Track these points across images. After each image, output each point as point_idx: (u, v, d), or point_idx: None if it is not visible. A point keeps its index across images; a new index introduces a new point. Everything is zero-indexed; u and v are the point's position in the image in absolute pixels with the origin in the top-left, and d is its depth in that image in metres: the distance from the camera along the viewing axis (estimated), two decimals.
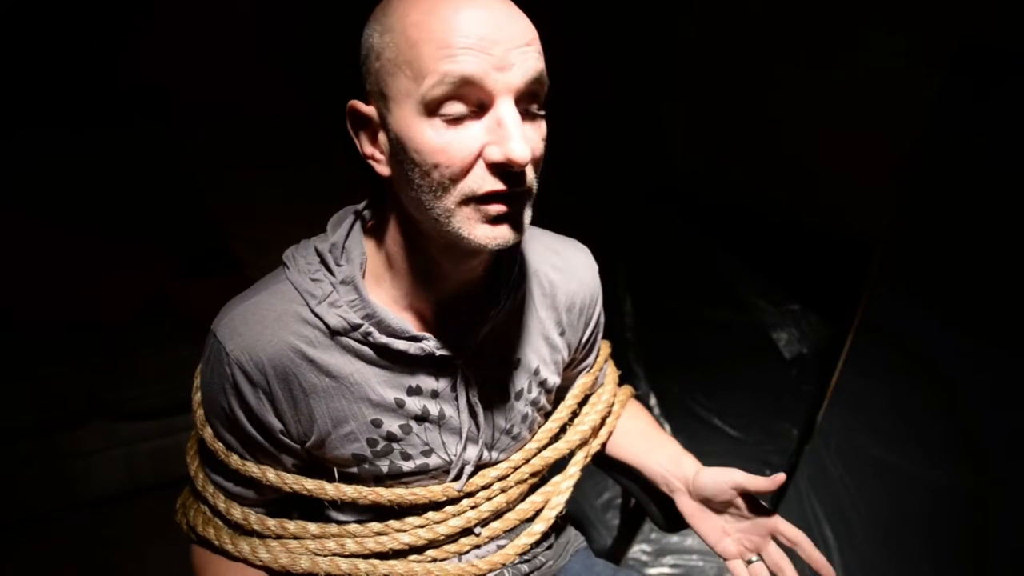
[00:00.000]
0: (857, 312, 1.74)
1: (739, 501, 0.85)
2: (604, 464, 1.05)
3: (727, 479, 0.84)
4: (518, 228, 0.65)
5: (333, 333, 0.71)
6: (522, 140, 0.60)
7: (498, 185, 0.62)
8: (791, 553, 0.84)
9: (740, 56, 2.25)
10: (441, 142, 0.61)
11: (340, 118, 0.68)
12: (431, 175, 0.62)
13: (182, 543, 0.86)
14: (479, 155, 0.62)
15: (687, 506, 0.90)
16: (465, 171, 0.62)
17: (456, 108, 0.60)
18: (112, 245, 2.10)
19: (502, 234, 0.64)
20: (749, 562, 0.85)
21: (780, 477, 0.80)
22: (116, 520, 1.92)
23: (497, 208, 0.63)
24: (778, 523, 0.84)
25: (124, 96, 2.33)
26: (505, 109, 0.61)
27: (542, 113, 0.66)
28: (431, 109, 0.60)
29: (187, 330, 1.95)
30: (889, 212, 1.67)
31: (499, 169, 0.62)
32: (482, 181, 0.62)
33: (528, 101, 0.63)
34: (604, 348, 1.02)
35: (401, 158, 0.63)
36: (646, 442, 0.98)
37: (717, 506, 0.87)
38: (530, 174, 0.64)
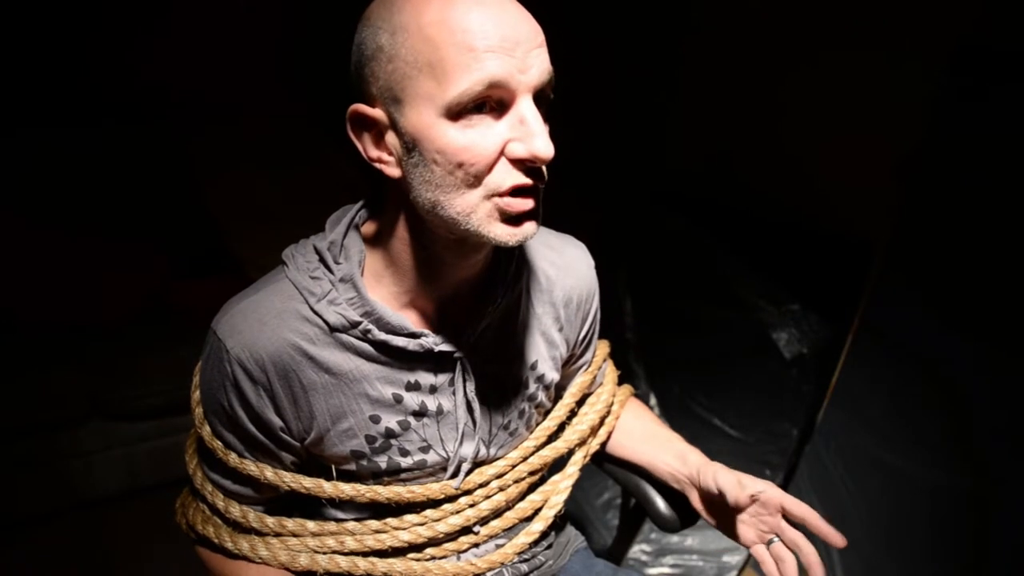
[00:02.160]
0: (857, 312, 1.74)
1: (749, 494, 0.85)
2: (608, 464, 1.05)
3: (733, 492, 0.83)
4: (538, 223, 0.67)
5: (332, 330, 0.71)
6: (546, 136, 0.62)
7: (522, 179, 0.63)
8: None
9: (741, 57, 2.25)
10: (465, 141, 0.61)
11: (340, 119, 0.67)
12: (454, 174, 0.62)
13: (182, 543, 0.86)
14: (502, 152, 0.62)
15: (698, 501, 0.91)
16: (489, 168, 0.62)
17: (479, 108, 0.61)
18: (112, 245, 2.10)
19: (523, 230, 0.65)
20: (770, 542, 0.85)
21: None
22: (116, 520, 1.91)
23: (521, 204, 0.64)
24: (784, 500, 0.84)
25: (124, 96, 2.33)
26: (526, 107, 0.62)
27: (551, 97, 0.67)
28: (456, 112, 0.60)
29: (187, 330, 1.94)
30: (889, 212, 1.67)
31: (521, 165, 0.63)
32: (505, 176, 0.63)
33: (540, 99, 0.64)
34: (602, 347, 1.02)
35: (418, 159, 0.63)
36: (652, 442, 0.99)
37: (723, 504, 0.88)
38: (543, 168, 0.65)
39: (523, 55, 0.61)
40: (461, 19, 0.59)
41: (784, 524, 0.85)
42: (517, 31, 0.60)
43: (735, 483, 0.83)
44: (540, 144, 0.61)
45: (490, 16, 0.59)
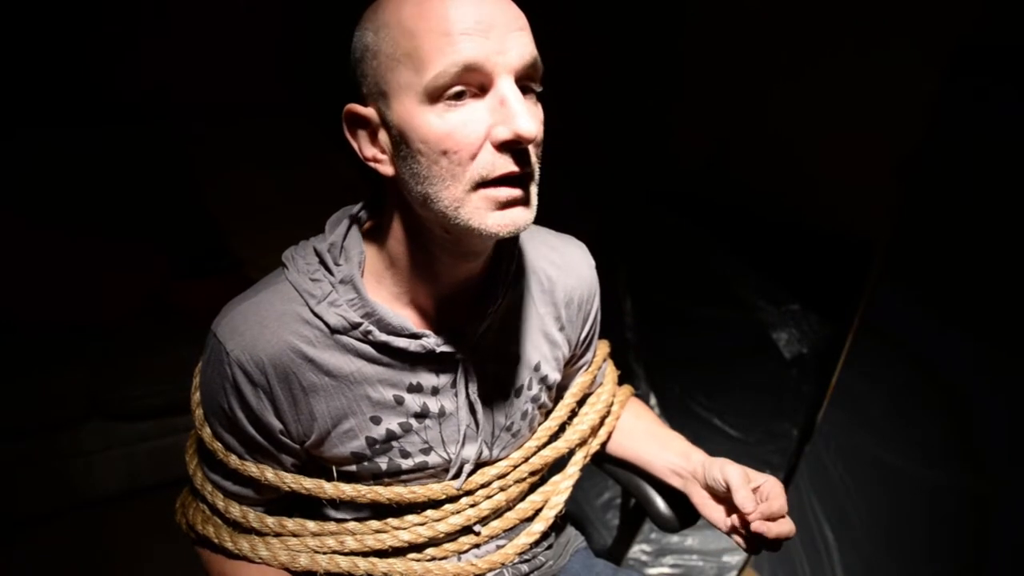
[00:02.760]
0: (857, 312, 1.74)
1: (756, 488, 0.84)
2: (609, 463, 1.05)
3: (736, 479, 0.81)
4: (528, 210, 0.65)
5: (333, 332, 0.71)
6: (528, 115, 0.61)
7: (509, 166, 0.62)
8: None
9: (740, 56, 2.25)
10: (447, 128, 0.61)
11: (339, 119, 0.68)
12: (439, 163, 0.62)
13: (182, 543, 0.86)
14: (486, 137, 0.62)
15: (698, 497, 0.90)
16: (473, 155, 0.62)
17: (460, 95, 0.61)
18: (112, 245, 2.10)
19: (513, 219, 0.64)
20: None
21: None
22: (116, 520, 1.91)
23: (508, 192, 0.63)
24: (770, 488, 0.81)
25: (124, 96, 2.33)
26: (507, 88, 0.61)
27: (538, 91, 0.66)
28: (434, 97, 0.61)
29: (187, 330, 1.94)
30: (889, 212, 1.67)
31: (508, 148, 0.62)
32: (492, 165, 0.62)
33: (525, 83, 0.64)
34: (603, 347, 1.02)
35: (405, 153, 0.63)
36: (654, 441, 0.98)
37: (726, 496, 0.87)
38: (533, 155, 0.65)
39: (500, 37, 0.60)
40: (437, 8, 0.60)
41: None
42: (493, 14, 0.60)
43: (742, 475, 0.81)
44: (522, 123, 0.60)
45: (468, 3, 0.60)
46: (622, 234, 2.41)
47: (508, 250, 0.79)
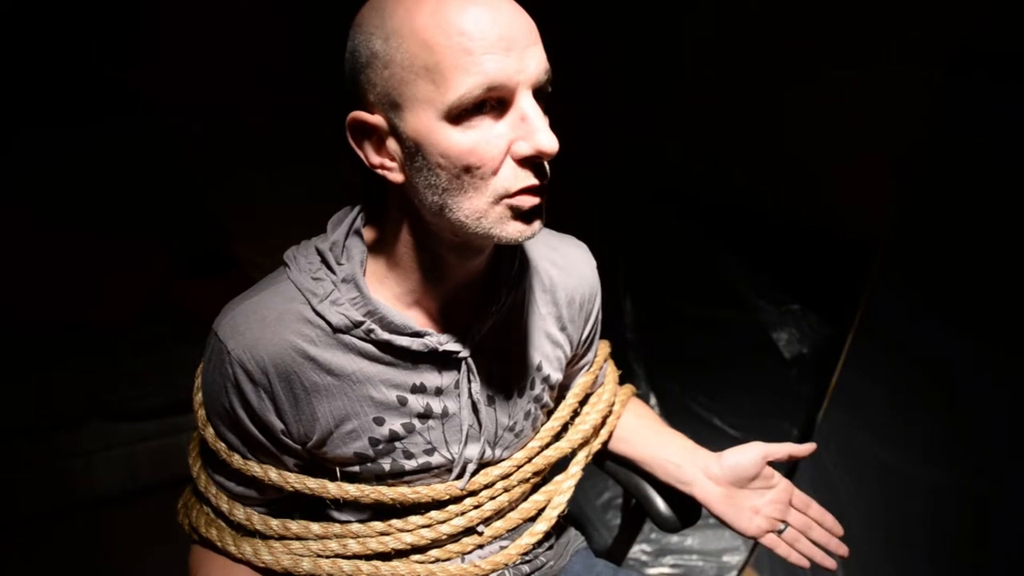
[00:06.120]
0: (857, 312, 1.74)
1: (766, 470, 0.89)
2: (609, 463, 1.05)
3: (757, 453, 0.89)
4: (543, 219, 0.67)
5: (335, 331, 0.71)
6: (548, 131, 0.62)
7: (531, 180, 0.64)
8: None
9: (741, 57, 2.26)
10: (469, 144, 0.61)
11: (340, 119, 0.67)
12: (460, 177, 0.62)
13: (182, 543, 0.86)
14: (507, 152, 0.62)
15: (711, 494, 0.90)
16: (495, 170, 0.62)
17: (480, 108, 0.61)
18: (112, 245, 2.10)
19: (533, 228, 0.66)
20: (780, 531, 0.88)
21: (810, 447, 0.89)
22: (116, 520, 1.92)
23: (531, 202, 0.65)
24: (795, 491, 0.89)
25: (124, 96, 2.33)
26: (527, 104, 0.62)
27: (548, 91, 0.67)
28: (456, 114, 0.60)
29: (187, 330, 1.94)
30: (889, 212, 1.67)
31: (528, 163, 0.63)
32: (514, 179, 0.63)
33: (538, 94, 0.64)
34: (604, 347, 1.02)
35: (421, 164, 0.63)
36: (657, 438, 0.99)
37: (743, 483, 0.89)
38: (547, 165, 0.66)
39: (519, 54, 0.60)
40: (455, 20, 0.59)
41: (793, 511, 0.88)
42: (512, 30, 0.60)
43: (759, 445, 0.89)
44: (544, 139, 0.61)
45: (484, 16, 0.59)
46: (622, 234, 2.41)
47: (510, 249, 0.80)
